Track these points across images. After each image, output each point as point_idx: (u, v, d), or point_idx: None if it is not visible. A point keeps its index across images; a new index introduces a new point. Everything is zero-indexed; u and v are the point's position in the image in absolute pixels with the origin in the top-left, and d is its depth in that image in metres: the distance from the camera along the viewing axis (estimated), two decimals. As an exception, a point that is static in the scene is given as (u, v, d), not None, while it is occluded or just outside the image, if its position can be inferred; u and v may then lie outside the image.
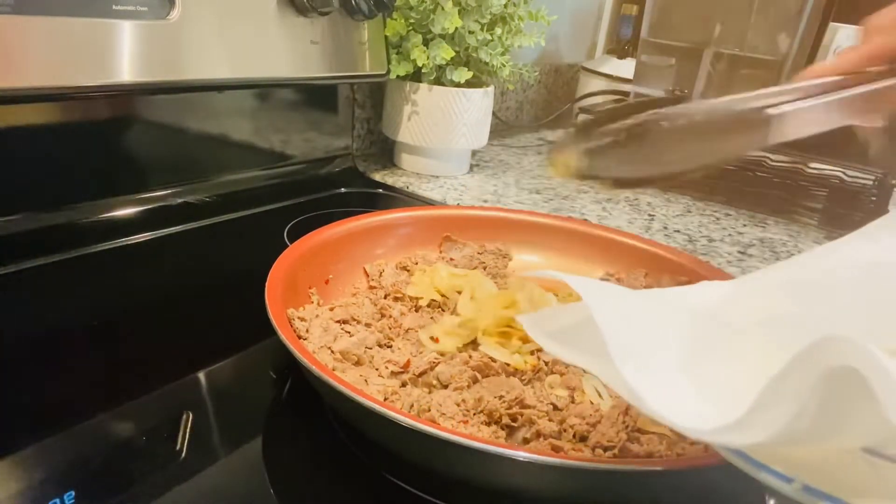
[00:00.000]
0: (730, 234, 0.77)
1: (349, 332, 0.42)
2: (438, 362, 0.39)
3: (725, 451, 0.22)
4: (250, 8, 0.58)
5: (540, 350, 0.40)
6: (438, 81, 0.79)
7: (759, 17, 0.82)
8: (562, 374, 0.39)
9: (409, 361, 0.39)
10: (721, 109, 0.30)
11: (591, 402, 0.37)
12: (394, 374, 0.39)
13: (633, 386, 0.23)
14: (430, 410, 0.34)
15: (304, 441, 0.36)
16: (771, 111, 0.29)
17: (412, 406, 0.35)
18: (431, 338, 0.42)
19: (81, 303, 0.47)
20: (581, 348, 0.26)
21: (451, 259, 0.55)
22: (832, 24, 0.90)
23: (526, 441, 0.34)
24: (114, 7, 0.48)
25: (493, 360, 0.39)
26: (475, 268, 0.53)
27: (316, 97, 0.76)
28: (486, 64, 0.79)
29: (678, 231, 0.76)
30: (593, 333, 0.24)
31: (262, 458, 0.34)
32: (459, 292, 0.47)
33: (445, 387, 0.38)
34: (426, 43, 0.75)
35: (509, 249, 0.56)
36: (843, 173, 0.86)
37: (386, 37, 0.73)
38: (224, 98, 0.65)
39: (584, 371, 0.39)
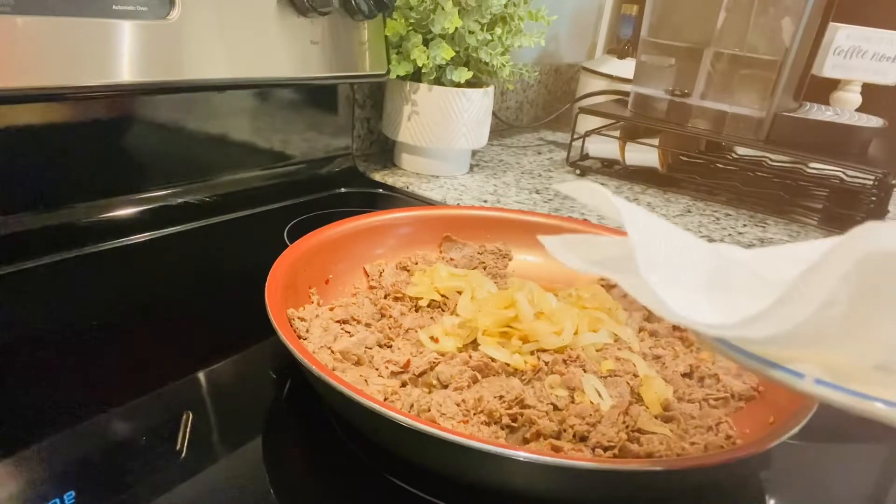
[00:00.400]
0: (730, 234, 0.77)
1: (349, 332, 0.42)
2: (438, 362, 0.39)
3: (740, 354, 0.23)
4: (250, 8, 0.58)
5: (540, 350, 0.40)
6: (438, 81, 0.79)
7: (759, 17, 0.82)
8: (562, 375, 0.39)
9: (409, 361, 0.39)
10: None
11: (591, 403, 0.37)
12: (394, 374, 0.39)
13: (657, 291, 0.23)
14: (430, 410, 0.34)
15: (304, 441, 0.36)
16: None
17: (412, 406, 0.35)
18: (431, 338, 0.42)
19: (81, 303, 0.47)
20: (604, 265, 0.26)
21: (451, 259, 0.55)
22: (832, 24, 0.90)
23: (526, 441, 0.34)
24: (114, 7, 0.48)
25: (493, 360, 0.39)
26: (475, 268, 0.53)
27: (316, 97, 0.76)
28: (486, 64, 0.79)
29: (678, 231, 0.76)
30: (622, 259, 0.24)
31: (262, 458, 0.34)
32: (459, 292, 0.47)
33: (445, 387, 0.38)
34: (426, 43, 0.75)
35: (509, 249, 0.56)
36: (843, 173, 0.86)
37: (386, 37, 0.73)
38: (224, 98, 0.65)
39: (585, 371, 0.39)
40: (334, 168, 0.80)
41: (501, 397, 0.35)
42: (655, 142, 0.91)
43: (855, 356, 0.21)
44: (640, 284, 0.23)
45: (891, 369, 0.21)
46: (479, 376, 0.38)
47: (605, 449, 0.33)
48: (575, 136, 0.97)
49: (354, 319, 0.43)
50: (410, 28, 0.75)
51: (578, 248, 0.28)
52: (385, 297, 0.47)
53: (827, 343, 0.21)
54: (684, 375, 0.41)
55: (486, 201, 0.78)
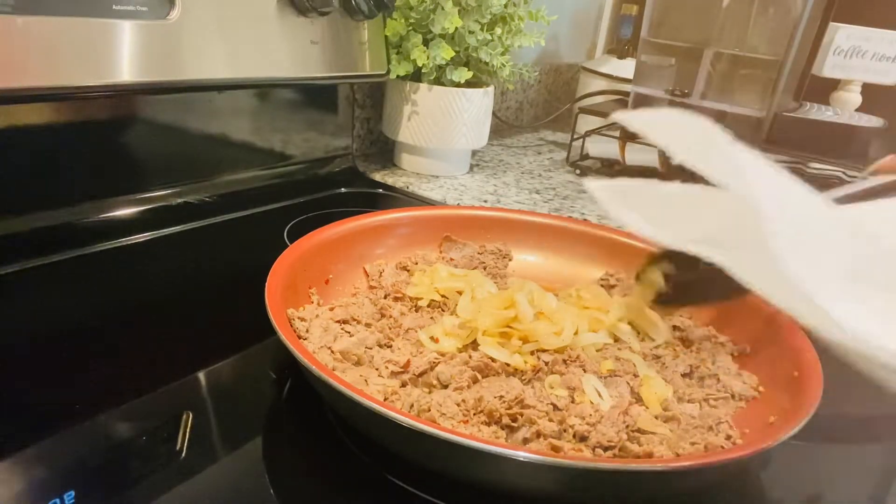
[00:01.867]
0: (730, 234, 0.77)
1: (349, 332, 0.42)
2: (438, 362, 0.39)
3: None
4: (250, 8, 0.58)
5: (540, 350, 0.40)
6: (438, 81, 0.79)
7: (759, 17, 0.82)
8: (562, 375, 0.39)
9: (409, 361, 0.39)
10: None
11: (591, 402, 0.37)
12: (394, 374, 0.39)
13: (811, 294, 0.18)
14: (430, 410, 0.34)
15: (304, 441, 0.36)
16: None
17: (412, 406, 0.35)
18: (431, 338, 0.42)
19: (81, 303, 0.47)
20: (684, 232, 0.21)
21: (451, 259, 0.55)
22: (832, 24, 0.90)
23: (526, 441, 0.34)
24: (114, 7, 0.48)
25: (493, 360, 0.39)
26: (475, 268, 0.53)
27: (316, 97, 0.76)
28: (486, 64, 0.79)
29: (678, 231, 0.76)
30: (709, 224, 0.20)
31: (262, 458, 0.34)
32: (459, 292, 0.47)
33: (445, 387, 0.38)
34: (426, 43, 0.75)
35: (509, 249, 0.56)
36: (843, 173, 0.86)
37: (386, 37, 0.73)
38: (224, 98, 0.65)
39: (585, 371, 0.39)
40: (334, 168, 0.80)
41: (501, 397, 0.35)
42: (655, 142, 0.91)
43: None
44: (764, 269, 0.18)
45: None
46: (479, 376, 0.38)
47: (605, 449, 0.33)
48: (575, 136, 0.97)
49: (354, 319, 0.43)
50: (410, 28, 0.75)
51: (637, 202, 0.20)
52: (385, 297, 0.47)
53: None
54: (684, 375, 0.41)
55: (486, 201, 0.78)
